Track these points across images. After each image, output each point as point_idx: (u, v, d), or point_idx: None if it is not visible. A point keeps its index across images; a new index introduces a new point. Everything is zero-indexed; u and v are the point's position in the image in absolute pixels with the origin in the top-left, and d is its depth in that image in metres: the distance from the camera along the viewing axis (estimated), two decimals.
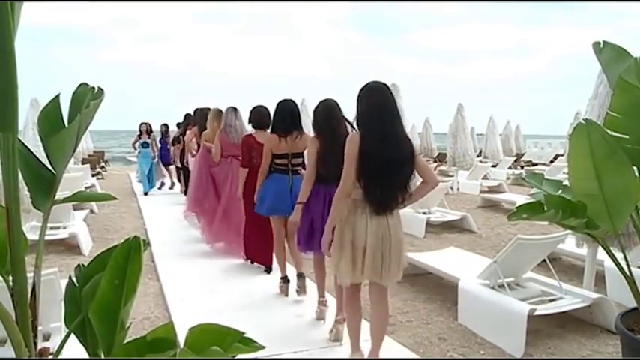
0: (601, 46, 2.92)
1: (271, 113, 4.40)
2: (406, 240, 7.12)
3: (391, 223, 2.76)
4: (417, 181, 2.87)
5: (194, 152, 8.13)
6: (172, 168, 12.37)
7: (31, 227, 5.75)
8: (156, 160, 11.80)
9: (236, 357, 1.50)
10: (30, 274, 1.69)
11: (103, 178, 15.64)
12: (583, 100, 4.31)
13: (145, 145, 11.49)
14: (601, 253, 3.70)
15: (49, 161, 1.78)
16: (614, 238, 3.15)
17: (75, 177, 8.95)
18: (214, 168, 6.15)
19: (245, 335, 1.51)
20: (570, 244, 4.66)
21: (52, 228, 6.22)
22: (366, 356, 3.03)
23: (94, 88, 1.87)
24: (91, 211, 8.72)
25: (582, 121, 2.66)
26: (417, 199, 2.94)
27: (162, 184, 12.44)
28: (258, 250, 5.17)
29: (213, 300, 4.37)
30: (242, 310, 4.08)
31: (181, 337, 1.54)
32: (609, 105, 2.69)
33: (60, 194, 1.86)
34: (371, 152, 2.64)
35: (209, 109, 6.86)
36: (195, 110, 8.05)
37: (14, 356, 1.63)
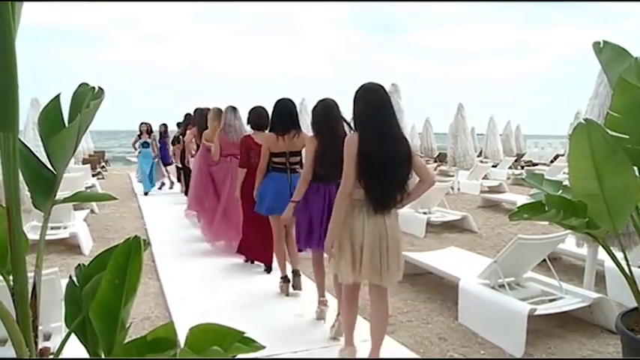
0: (601, 45, 2.92)
1: (270, 113, 4.42)
2: (406, 240, 7.13)
3: (388, 222, 2.78)
4: (414, 180, 2.89)
5: (193, 152, 8.15)
6: (171, 168, 12.39)
7: (31, 227, 5.75)
8: (156, 159, 11.81)
9: (236, 357, 1.50)
10: (30, 274, 1.69)
11: (103, 178, 15.65)
12: (583, 100, 4.31)
13: (145, 145, 11.50)
14: (601, 253, 3.70)
15: (50, 161, 1.78)
16: (615, 238, 3.15)
17: (75, 177, 8.95)
18: (214, 167, 6.18)
19: (245, 335, 1.51)
20: (571, 243, 4.66)
21: (52, 228, 6.23)
22: (363, 354, 3.03)
23: (94, 88, 1.87)
24: (92, 211, 8.73)
25: (582, 121, 2.66)
26: (415, 198, 2.98)
27: (163, 184, 12.46)
28: (258, 249, 5.17)
29: (214, 300, 4.37)
30: (242, 310, 4.08)
31: (182, 337, 1.54)
32: (609, 105, 2.69)
33: (60, 194, 1.87)
34: (369, 152, 2.67)
35: (208, 109, 6.88)
36: (195, 110, 8.07)
37: (15, 356, 1.64)
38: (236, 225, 5.53)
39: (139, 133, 11.60)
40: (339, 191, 2.75)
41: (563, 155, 16.99)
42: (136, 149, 11.99)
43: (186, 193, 8.86)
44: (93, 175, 13.42)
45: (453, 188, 11.59)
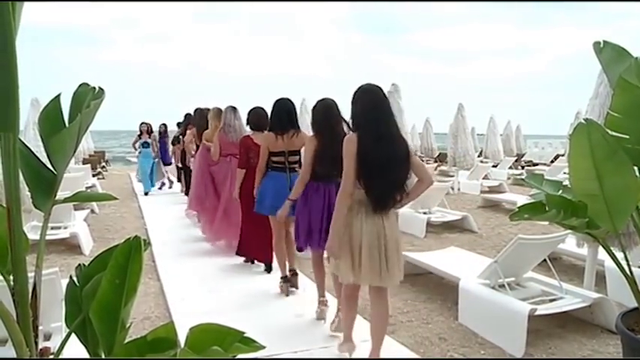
0: (601, 45, 2.92)
1: (269, 114, 4.44)
2: (406, 240, 7.13)
3: (387, 223, 2.80)
4: (413, 180, 2.91)
5: (193, 153, 8.17)
6: (170, 167, 12.39)
7: (31, 227, 5.75)
8: (157, 159, 11.81)
9: (236, 357, 1.50)
10: (31, 274, 1.69)
11: (103, 178, 15.66)
12: (583, 100, 4.31)
13: (145, 145, 11.49)
14: (601, 253, 3.70)
15: (50, 161, 1.78)
16: (615, 238, 3.15)
17: (75, 177, 8.95)
18: (214, 167, 6.20)
19: (245, 335, 1.51)
20: (571, 243, 4.66)
21: (52, 228, 6.23)
22: (363, 354, 3.04)
23: (94, 88, 1.87)
24: (92, 211, 8.73)
25: (583, 121, 2.66)
26: (414, 198, 3.01)
27: (163, 184, 12.47)
28: (257, 249, 5.17)
29: (214, 300, 4.37)
30: (242, 310, 4.08)
31: (182, 337, 1.54)
32: (610, 105, 2.69)
33: (60, 194, 1.87)
34: (368, 152, 2.69)
35: (208, 109, 6.90)
36: (195, 111, 8.10)
37: (15, 356, 1.64)
38: (236, 224, 5.52)
39: (139, 133, 11.60)
40: (339, 192, 2.76)
41: (563, 155, 16.99)
42: (136, 149, 11.99)
43: (186, 193, 8.87)
44: (93, 175, 13.43)
45: (453, 188, 11.59)
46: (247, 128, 5.17)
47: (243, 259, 5.44)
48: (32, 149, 1.87)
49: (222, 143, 5.68)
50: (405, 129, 8.79)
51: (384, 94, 2.88)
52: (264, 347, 1.52)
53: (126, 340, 1.63)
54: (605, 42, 2.92)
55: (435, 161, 18.96)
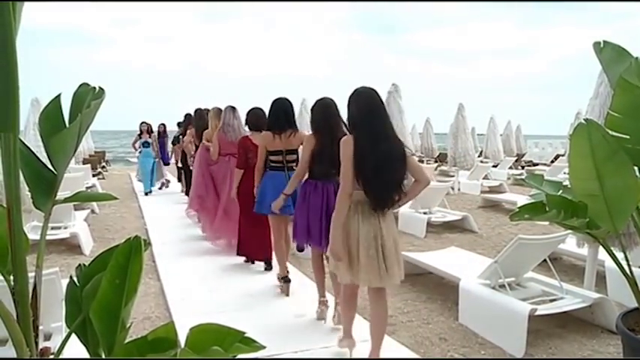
0: (601, 45, 2.92)
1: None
2: (407, 240, 7.12)
3: (383, 223, 2.83)
4: (411, 180, 2.95)
5: (192, 153, 8.19)
6: (168, 167, 12.40)
7: (32, 227, 5.76)
8: (157, 159, 11.81)
9: (237, 357, 1.50)
10: (31, 274, 1.70)
11: (103, 178, 15.66)
12: (584, 100, 4.31)
13: (146, 145, 11.49)
14: (602, 253, 3.70)
15: (50, 161, 1.78)
16: (615, 238, 3.15)
17: (76, 177, 8.94)
18: (213, 166, 6.22)
19: (246, 335, 1.51)
20: (571, 244, 4.66)
21: (53, 228, 6.23)
22: (363, 354, 3.04)
23: (94, 88, 1.87)
24: (92, 211, 8.73)
25: (583, 121, 2.66)
26: (412, 198, 3.04)
27: (163, 184, 12.47)
28: (256, 248, 5.19)
29: (214, 300, 4.37)
30: (243, 310, 4.08)
31: (182, 337, 1.54)
32: (610, 105, 2.69)
33: (61, 194, 1.87)
34: (364, 153, 2.73)
35: (208, 110, 6.91)
36: (195, 111, 8.12)
37: (15, 356, 1.64)
38: (236, 223, 5.54)
39: (139, 132, 11.60)
40: (339, 193, 2.80)
41: (563, 155, 16.99)
42: (136, 149, 11.99)
43: (186, 193, 8.87)
44: (93, 175, 13.43)
45: (453, 188, 11.59)
46: (246, 128, 5.18)
47: (243, 258, 5.44)
48: (32, 149, 1.87)
49: (222, 143, 5.71)
50: (405, 129, 8.79)
51: (379, 96, 2.93)
52: (264, 347, 1.52)
53: (126, 340, 1.63)
54: (605, 42, 2.92)
55: (436, 161, 18.96)
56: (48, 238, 4.25)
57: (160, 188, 12.23)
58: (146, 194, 11.33)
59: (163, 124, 12.66)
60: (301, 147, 3.87)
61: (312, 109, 3.65)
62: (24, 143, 1.77)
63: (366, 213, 2.80)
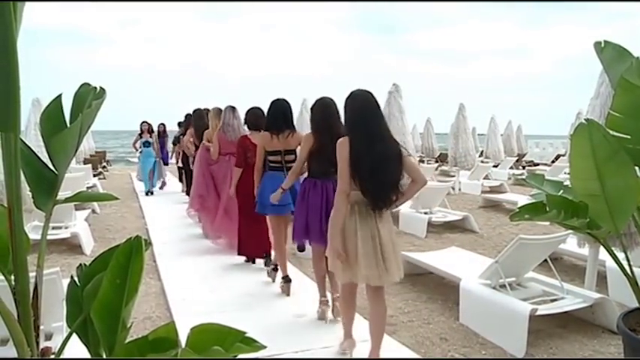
0: (602, 45, 2.91)
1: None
2: (407, 240, 7.11)
3: (380, 223, 2.86)
4: (407, 181, 2.98)
5: (192, 153, 8.19)
6: (167, 167, 12.41)
7: (33, 227, 5.76)
8: (158, 159, 11.81)
9: (237, 357, 1.50)
10: (32, 274, 1.70)
11: (104, 178, 15.66)
12: (585, 100, 4.31)
13: (146, 144, 11.49)
14: (603, 253, 3.69)
15: (51, 161, 1.78)
16: (616, 238, 3.15)
17: (76, 177, 8.95)
18: (213, 166, 6.24)
19: (246, 335, 1.51)
20: (572, 244, 4.65)
21: (53, 228, 6.23)
22: (363, 354, 3.04)
23: (95, 88, 1.87)
24: (93, 211, 8.73)
25: (584, 121, 2.66)
26: (409, 198, 3.10)
27: (164, 183, 12.47)
28: (256, 245, 5.21)
29: (215, 300, 4.37)
30: (243, 310, 4.08)
31: (183, 337, 1.54)
32: (611, 105, 2.69)
33: (62, 194, 1.87)
34: (360, 154, 2.77)
35: (207, 110, 6.92)
36: (194, 111, 8.13)
37: (16, 356, 1.64)
38: (237, 223, 5.55)
39: (139, 132, 11.60)
40: (337, 193, 2.85)
41: (564, 155, 16.96)
42: (136, 149, 11.99)
43: (187, 193, 8.87)
44: (94, 175, 13.43)
45: (454, 188, 11.58)
46: (245, 128, 5.21)
47: (244, 258, 5.45)
48: (33, 149, 1.87)
49: (222, 142, 5.75)
50: (406, 129, 8.77)
51: (374, 98, 2.97)
52: (265, 347, 1.52)
53: (127, 340, 1.63)
54: (606, 42, 2.91)
55: (436, 161, 18.95)
56: (49, 237, 4.25)
57: (160, 188, 12.23)
58: (147, 194, 11.33)
59: (163, 124, 12.66)
60: (299, 147, 3.92)
61: (311, 109, 3.71)
62: (25, 143, 1.77)
63: (364, 213, 2.84)
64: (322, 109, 3.59)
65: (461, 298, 4.04)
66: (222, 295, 4.50)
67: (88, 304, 1.74)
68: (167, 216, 8.55)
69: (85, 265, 1.94)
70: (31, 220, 5.96)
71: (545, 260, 4.14)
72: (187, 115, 9.80)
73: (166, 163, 12.70)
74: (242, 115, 5.51)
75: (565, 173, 11.17)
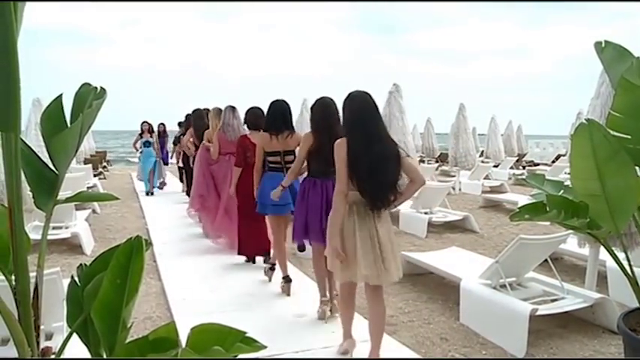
0: (603, 45, 2.91)
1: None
2: (408, 240, 7.10)
3: (378, 223, 2.87)
4: (406, 181, 3.00)
5: (193, 153, 8.20)
6: (169, 167, 12.41)
7: (33, 227, 5.77)
8: (158, 158, 11.81)
9: (238, 357, 1.50)
10: (32, 274, 1.70)
11: (105, 178, 15.66)
12: (585, 100, 4.31)
13: (147, 144, 11.49)
14: (603, 253, 3.69)
15: (52, 161, 1.78)
16: (617, 238, 3.15)
17: (77, 177, 8.95)
18: (213, 166, 6.26)
19: (247, 335, 1.51)
20: (572, 244, 4.65)
21: (54, 228, 6.23)
22: (363, 354, 3.05)
23: (96, 88, 1.87)
24: (93, 211, 8.73)
25: (584, 121, 2.66)
26: (407, 198, 3.12)
27: (164, 183, 12.47)
28: (255, 245, 5.21)
29: (215, 299, 4.37)
30: (244, 310, 4.08)
31: (183, 337, 1.54)
32: (611, 105, 2.69)
33: (62, 194, 1.87)
34: (357, 154, 2.79)
35: (207, 110, 6.93)
36: (194, 111, 8.14)
37: (17, 356, 1.64)
38: (237, 223, 5.56)
39: (140, 132, 11.60)
40: (335, 194, 2.86)
41: (564, 155, 16.96)
42: (137, 150, 11.99)
43: (187, 193, 8.88)
44: (94, 175, 13.43)
45: (454, 188, 11.58)
46: (245, 127, 5.22)
47: (244, 258, 5.45)
48: (34, 149, 1.87)
49: (222, 142, 5.76)
50: (406, 129, 8.77)
51: (372, 99, 2.98)
52: (265, 347, 1.52)
53: (127, 340, 1.63)
54: (606, 42, 2.91)
55: (437, 161, 18.95)
56: (49, 237, 4.26)
57: (160, 188, 12.23)
58: (147, 194, 11.33)
59: (163, 124, 12.67)
60: (299, 147, 3.94)
61: (311, 108, 3.73)
62: (25, 143, 1.77)
63: (362, 213, 2.85)
64: (322, 108, 3.61)
65: (461, 298, 4.04)
66: (222, 294, 4.50)
67: (88, 304, 1.74)
68: (167, 216, 8.55)
69: (85, 265, 1.94)
70: (32, 220, 5.96)
71: (546, 260, 4.14)
72: (187, 115, 9.80)
73: (166, 163, 12.72)
74: (242, 115, 5.52)
75: (565, 173, 11.17)
